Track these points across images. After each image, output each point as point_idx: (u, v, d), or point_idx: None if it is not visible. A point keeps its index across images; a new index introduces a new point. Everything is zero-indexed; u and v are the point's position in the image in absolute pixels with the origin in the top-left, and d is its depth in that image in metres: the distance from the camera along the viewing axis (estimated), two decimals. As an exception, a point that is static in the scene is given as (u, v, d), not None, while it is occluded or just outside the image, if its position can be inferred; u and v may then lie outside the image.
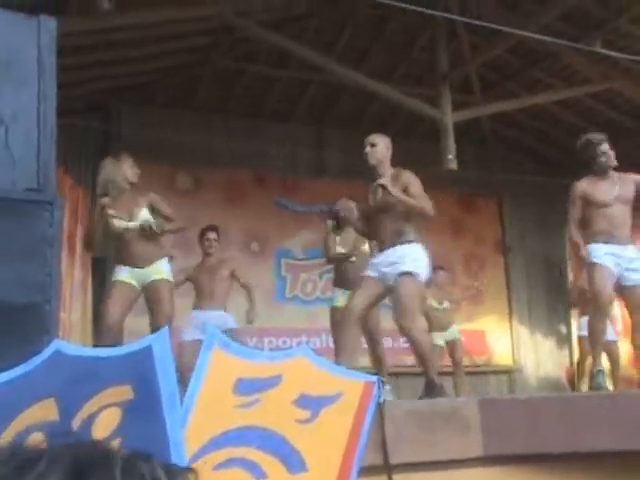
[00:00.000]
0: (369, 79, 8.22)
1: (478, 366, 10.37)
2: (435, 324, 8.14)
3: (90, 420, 1.80)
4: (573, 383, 10.43)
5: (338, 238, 6.05)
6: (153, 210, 5.16)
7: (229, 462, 2.12)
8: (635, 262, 5.14)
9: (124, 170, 5.14)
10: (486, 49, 8.66)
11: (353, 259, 6.00)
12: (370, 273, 4.73)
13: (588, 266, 5.18)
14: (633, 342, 5.31)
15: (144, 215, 5.07)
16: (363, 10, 8.31)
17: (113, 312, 4.96)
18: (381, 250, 4.78)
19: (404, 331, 4.60)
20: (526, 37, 6.65)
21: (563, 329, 11.19)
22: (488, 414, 3.56)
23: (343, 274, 6.07)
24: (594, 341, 5.31)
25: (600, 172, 5.22)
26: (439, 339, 8.13)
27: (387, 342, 9.14)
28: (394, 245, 4.71)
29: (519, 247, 11.16)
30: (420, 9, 6.05)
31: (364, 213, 4.95)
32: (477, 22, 6.39)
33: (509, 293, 11.07)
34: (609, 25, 8.02)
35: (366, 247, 5.94)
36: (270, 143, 9.61)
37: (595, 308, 5.25)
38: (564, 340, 11.06)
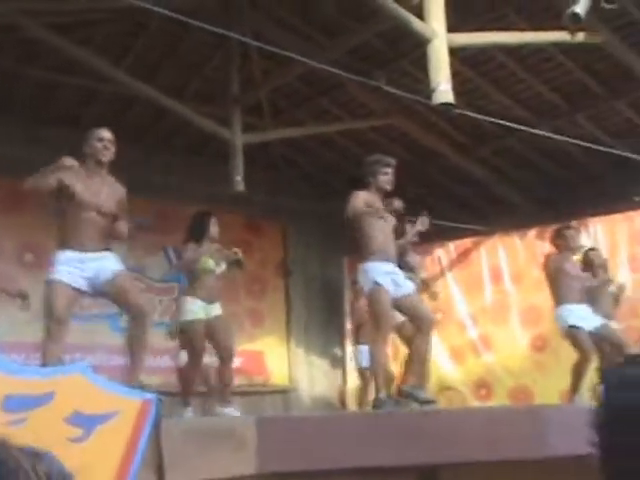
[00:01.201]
0: (159, 93, 8.10)
1: (255, 386, 10.48)
2: None
3: None
4: (344, 403, 10.82)
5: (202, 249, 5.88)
6: None
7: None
8: (401, 277, 5.49)
9: None
10: (277, 75, 8.84)
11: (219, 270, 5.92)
12: (66, 278, 4.33)
13: (370, 287, 5.38)
14: (414, 349, 5.54)
15: None
16: (156, 23, 8.19)
17: None
18: (83, 251, 4.42)
19: (143, 309, 4.45)
20: (316, 67, 6.86)
21: (338, 352, 11.58)
22: (265, 432, 3.60)
23: (204, 285, 5.84)
24: (378, 366, 5.44)
25: (376, 190, 5.49)
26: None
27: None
28: (102, 250, 4.50)
29: (300, 271, 11.43)
30: (213, 29, 6.07)
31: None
32: (268, 47, 6.50)
33: (288, 315, 11.29)
34: (393, 64, 8.51)
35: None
36: (53, 151, 9.14)
37: (377, 330, 5.41)
38: (338, 362, 11.44)
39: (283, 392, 10.89)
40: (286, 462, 3.51)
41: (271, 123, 9.50)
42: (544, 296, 7.55)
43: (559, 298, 6.76)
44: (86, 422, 2.21)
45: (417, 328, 5.49)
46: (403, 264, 6.07)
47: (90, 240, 4.42)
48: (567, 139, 7.95)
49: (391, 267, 5.41)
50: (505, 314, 10.17)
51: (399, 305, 5.49)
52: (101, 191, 4.56)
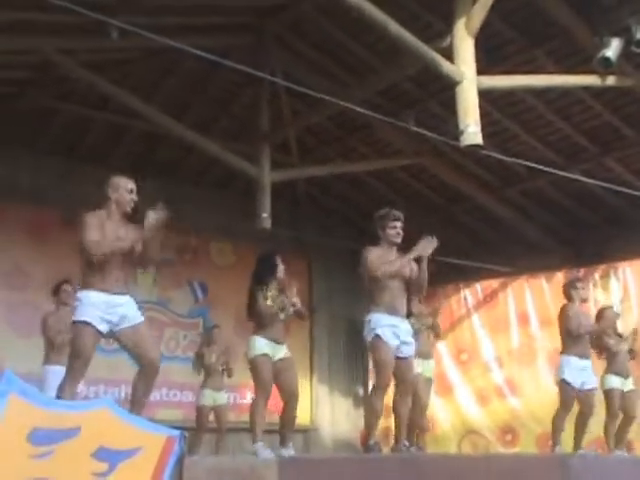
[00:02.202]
0: (189, 130, 8.19)
1: (276, 424, 10.36)
2: (211, 383, 8.32)
3: None
4: (367, 445, 10.67)
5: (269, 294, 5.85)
6: None
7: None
8: (409, 336, 5.48)
9: None
10: (306, 114, 8.90)
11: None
12: (94, 321, 4.41)
13: (371, 339, 5.39)
14: (395, 410, 5.57)
15: None
16: (188, 62, 8.31)
17: None
18: (107, 292, 4.49)
19: (156, 364, 4.52)
20: (345, 107, 6.89)
21: (360, 391, 11.48)
22: (286, 474, 3.57)
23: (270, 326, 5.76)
24: (372, 414, 5.54)
25: (386, 244, 5.50)
26: (215, 399, 8.32)
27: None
28: (126, 293, 4.60)
29: (324, 308, 11.40)
30: (244, 69, 6.14)
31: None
32: (297, 87, 6.55)
33: (311, 353, 11.24)
34: (422, 105, 8.54)
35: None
36: (82, 186, 9.29)
37: (377, 379, 5.45)
38: (360, 402, 11.33)
39: (304, 431, 10.77)
40: (308, 504, 3.47)
41: (299, 161, 9.55)
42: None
43: (565, 348, 6.83)
44: (111, 457, 2.21)
45: (398, 390, 5.53)
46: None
47: (114, 282, 4.54)
48: (596, 182, 7.90)
49: (396, 321, 5.41)
50: (532, 358, 10.03)
51: (396, 365, 5.47)
52: (122, 233, 4.64)
